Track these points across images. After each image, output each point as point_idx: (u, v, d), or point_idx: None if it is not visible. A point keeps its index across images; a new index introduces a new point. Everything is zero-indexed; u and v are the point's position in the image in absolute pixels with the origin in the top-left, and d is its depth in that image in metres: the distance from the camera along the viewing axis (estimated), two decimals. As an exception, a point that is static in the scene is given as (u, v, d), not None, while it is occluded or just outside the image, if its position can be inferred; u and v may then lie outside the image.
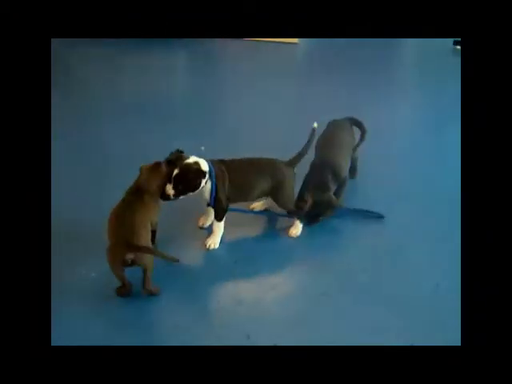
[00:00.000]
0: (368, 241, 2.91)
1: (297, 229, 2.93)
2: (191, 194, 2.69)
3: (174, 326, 2.40)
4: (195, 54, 5.57)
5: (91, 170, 3.45)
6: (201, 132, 3.92)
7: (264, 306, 2.52)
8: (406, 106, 4.48)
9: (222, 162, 2.79)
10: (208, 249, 2.81)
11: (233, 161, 2.82)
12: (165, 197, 2.64)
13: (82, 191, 3.20)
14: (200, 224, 2.97)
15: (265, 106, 4.35)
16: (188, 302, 2.54)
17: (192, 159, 2.67)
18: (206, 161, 2.71)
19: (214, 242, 2.83)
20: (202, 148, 3.61)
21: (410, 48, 5.79)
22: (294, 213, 2.91)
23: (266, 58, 5.38)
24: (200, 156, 2.73)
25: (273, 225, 3.04)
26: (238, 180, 2.77)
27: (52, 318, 1.91)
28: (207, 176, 2.66)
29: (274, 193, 2.85)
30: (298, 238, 2.92)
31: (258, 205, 3.07)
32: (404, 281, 2.63)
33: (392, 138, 3.81)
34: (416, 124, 4.12)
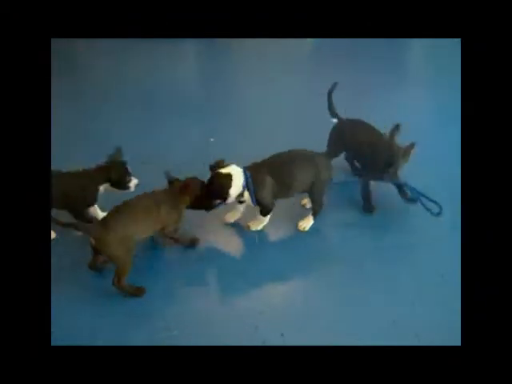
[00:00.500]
0: (373, 236, 2.93)
1: (308, 223, 2.95)
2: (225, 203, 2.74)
3: (180, 317, 2.41)
4: (203, 50, 5.59)
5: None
6: (211, 123, 3.97)
7: (273, 297, 2.54)
8: (409, 102, 4.46)
9: (260, 163, 2.78)
10: (249, 228, 2.92)
11: (274, 159, 2.80)
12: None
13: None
14: (226, 220, 2.98)
15: (274, 100, 4.38)
16: (195, 294, 2.54)
17: (226, 169, 2.67)
18: (244, 170, 2.71)
19: (256, 224, 2.93)
20: (212, 139, 3.69)
21: (420, 46, 5.78)
22: (319, 208, 2.92)
23: (276, 53, 5.39)
24: (234, 163, 2.72)
25: (281, 218, 3.01)
26: (281, 176, 2.75)
27: (52, 317, 1.92)
28: (239, 187, 2.68)
29: (314, 185, 2.83)
30: (305, 231, 2.93)
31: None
32: (409, 275, 2.65)
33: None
34: (419, 121, 4.10)
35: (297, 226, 2.95)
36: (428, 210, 2.90)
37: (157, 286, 2.56)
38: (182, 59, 5.54)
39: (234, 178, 2.65)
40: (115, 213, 2.48)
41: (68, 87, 4.39)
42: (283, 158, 2.80)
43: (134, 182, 2.79)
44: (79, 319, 2.39)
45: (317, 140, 3.22)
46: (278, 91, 4.54)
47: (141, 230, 2.53)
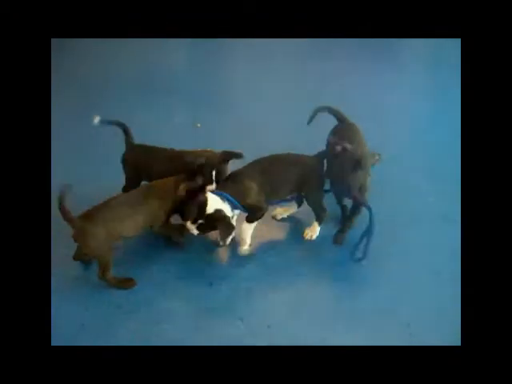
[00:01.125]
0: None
1: (314, 231, 2.81)
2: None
3: (167, 310, 2.39)
4: (201, 49, 5.62)
5: (92, 154, 3.35)
6: (199, 110, 4.02)
7: (258, 289, 2.51)
8: (409, 102, 4.47)
9: (243, 170, 2.67)
10: (240, 251, 2.71)
11: (258, 162, 2.70)
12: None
13: (81, 176, 3.06)
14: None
15: (267, 96, 4.36)
16: (183, 285, 2.52)
17: (213, 206, 2.50)
18: (224, 197, 2.55)
19: (243, 242, 2.73)
20: (199, 125, 3.78)
21: (420, 46, 5.79)
22: (321, 213, 2.79)
23: (270, 49, 5.40)
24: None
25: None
26: (269, 177, 2.65)
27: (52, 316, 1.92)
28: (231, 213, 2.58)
29: (305, 186, 2.71)
30: (293, 224, 2.89)
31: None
32: (403, 268, 2.62)
33: (391, 125, 3.81)
34: (419, 121, 4.12)
35: (302, 234, 2.83)
36: (354, 253, 2.63)
37: (145, 278, 2.53)
38: (181, 57, 5.56)
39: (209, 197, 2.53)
40: (101, 207, 2.42)
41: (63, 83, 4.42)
42: (268, 160, 2.72)
43: (210, 187, 2.58)
44: (65, 313, 2.34)
45: (306, 135, 3.19)
46: (273, 89, 4.53)
47: (126, 228, 2.47)
